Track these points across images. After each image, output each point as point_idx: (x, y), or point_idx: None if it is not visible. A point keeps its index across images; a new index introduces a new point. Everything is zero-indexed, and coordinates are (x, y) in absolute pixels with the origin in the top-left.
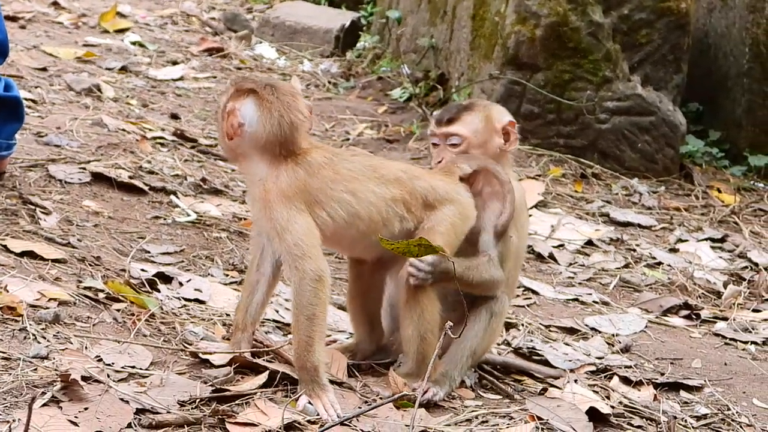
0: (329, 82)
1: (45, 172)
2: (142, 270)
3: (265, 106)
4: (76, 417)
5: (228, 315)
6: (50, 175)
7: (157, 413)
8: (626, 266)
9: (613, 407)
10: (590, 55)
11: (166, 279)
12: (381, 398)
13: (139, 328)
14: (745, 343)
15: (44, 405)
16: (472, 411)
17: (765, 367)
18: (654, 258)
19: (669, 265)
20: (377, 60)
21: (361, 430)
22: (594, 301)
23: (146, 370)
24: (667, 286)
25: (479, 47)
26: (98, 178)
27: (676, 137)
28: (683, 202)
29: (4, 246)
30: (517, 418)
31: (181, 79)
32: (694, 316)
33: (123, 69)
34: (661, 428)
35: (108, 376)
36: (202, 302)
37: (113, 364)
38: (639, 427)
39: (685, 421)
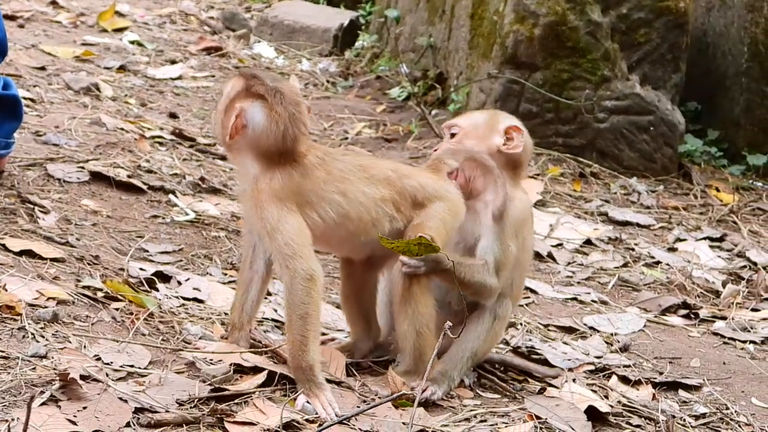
0: (328, 81)
1: (43, 171)
2: (141, 269)
3: (272, 117)
4: (74, 416)
5: (227, 314)
6: (49, 174)
7: (156, 412)
8: (625, 265)
9: (611, 406)
10: (589, 54)
11: (165, 278)
12: (379, 397)
13: (137, 327)
14: (744, 342)
15: (43, 404)
16: (471, 410)
17: (763, 367)
18: (653, 257)
19: (668, 265)
20: (376, 59)
21: (360, 429)
22: (593, 301)
23: (145, 369)
24: (666, 285)
25: (478, 46)
26: (97, 177)
27: (675, 136)
28: (682, 201)
29: (3, 245)
30: (515, 418)
31: (179, 78)
32: (692, 316)
33: (121, 68)
34: (659, 427)
35: (107, 375)
36: (200, 301)
37: (112, 363)
38: (638, 426)
39: (684, 420)
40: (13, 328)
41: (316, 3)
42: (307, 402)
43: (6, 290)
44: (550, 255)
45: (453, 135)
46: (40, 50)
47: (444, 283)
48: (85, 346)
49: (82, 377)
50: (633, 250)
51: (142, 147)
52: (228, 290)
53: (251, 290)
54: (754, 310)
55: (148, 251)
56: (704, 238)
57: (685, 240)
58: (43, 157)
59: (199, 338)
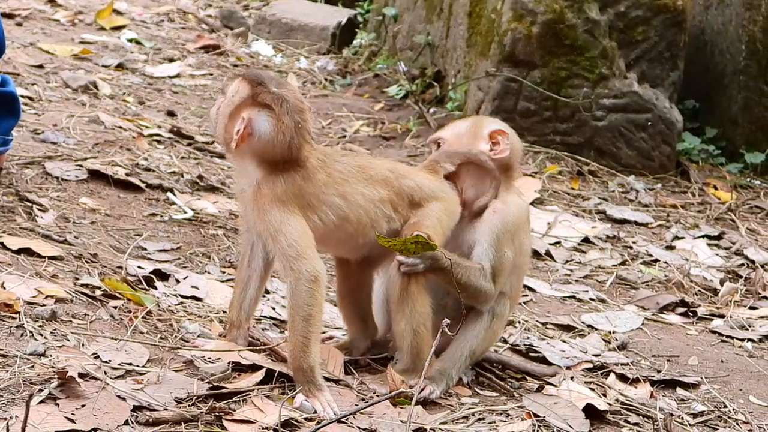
0: (326, 80)
1: (42, 170)
2: (139, 267)
3: (278, 128)
4: (73, 414)
5: (225, 312)
6: (47, 172)
7: (154, 410)
8: (623, 263)
9: (609, 404)
10: (587, 52)
11: (163, 276)
12: (378, 395)
13: (136, 325)
14: (742, 340)
15: (41, 402)
16: (469, 408)
17: (761, 364)
18: (650, 255)
19: (665, 263)
20: (374, 57)
21: (358, 427)
22: (590, 299)
23: (143, 367)
24: (664, 283)
25: (476, 44)
26: (95, 175)
27: (673, 134)
28: (680, 199)
29: (1, 243)
30: (513, 416)
31: (177, 76)
32: (690, 314)
33: (119, 66)
34: (657, 425)
35: (105, 373)
36: (198, 299)
37: (110, 361)
38: (635, 424)
39: (682, 418)
40: (11, 326)
41: (314, 1)
42: (306, 400)
43: (4, 288)
44: (548, 253)
45: (439, 147)
46: (38, 48)
47: (441, 283)
48: (83, 344)
49: (81, 375)
50: (631, 248)
51: (140, 145)
52: (226, 288)
53: (249, 288)
54: (751, 308)
55: (146, 249)
56: (702, 236)
57: (683, 238)
58: (41, 155)
59: (198, 336)
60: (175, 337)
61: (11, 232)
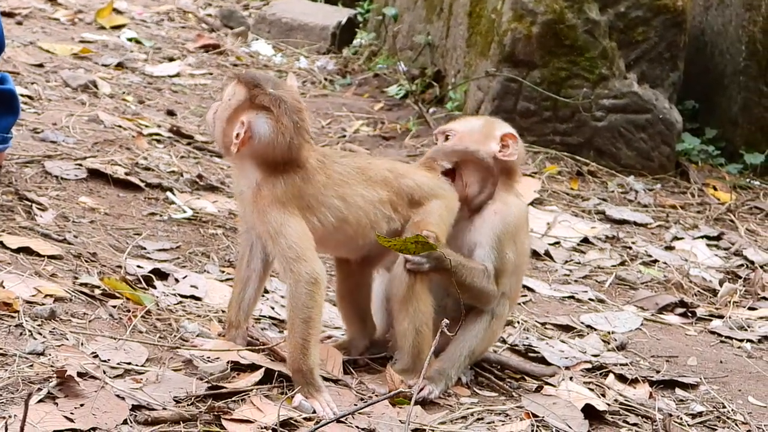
0: (325, 79)
1: (41, 169)
2: (138, 266)
3: (278, 129)
4: (71, 413)
5: (224, 311)
6: (46, 171)
7: (153, 410)
8: (622, 264)
9: (608, 404)
10: (586, 52)
11: (162, 275)
12: (377, 395)
13: (135, 324)
14: (741, 341)
15: (40, 401)
16: (468, 408)
17: (760, 365)
18: (650, 256)
19: (665, 263)
20: (373, 57)
21: (357, 427)
22: (590, 299)
23: (142, 366)
24: (663, 283)
25: (476, 44)
26: (94, 174)
27: (672, 135)
28: (679, 199)
29: (0, 242)
30: (512, 416)
31: (177, 75)
32: (689, 314)
33: (119, 65)
34: (656, 426)
35: (104, 372)
36: (198, 299)
37: (109, 360)
38: (634, 424)
39: (681, 418)
40: (10, 326)
41: (314, 1)
42: (305, 399)
43: (3, 287)
44: (547, 253)
45: (447, 139)
46: (38, 47)
47: (445, 283)
48: (82, 344)
49: (80, 374)
50: (630, 248)
51: (139, 144)
52: (225, 288)
53: (248, 288)
54: (751, 308)
55: (145, 249)
56: (701, 237)
57: (682, 238)
58: (40, 154)
59: (197, 336)
60: (174, 336)
61: (10, 231)
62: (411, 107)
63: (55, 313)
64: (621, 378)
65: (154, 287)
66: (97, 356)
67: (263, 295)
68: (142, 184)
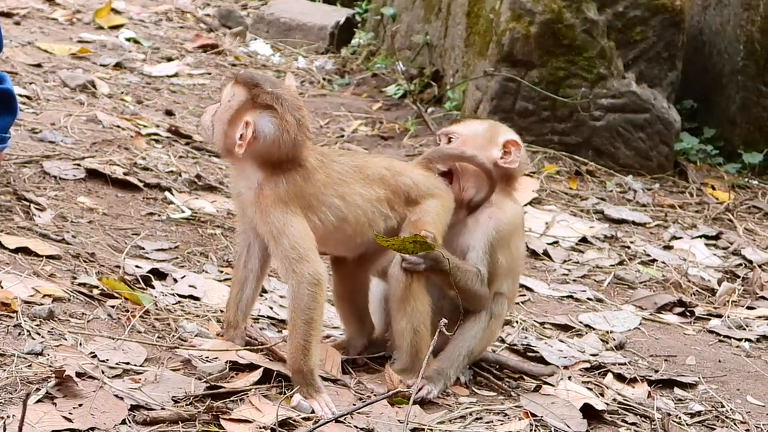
0: (324, 79)
1: (39, 169)
2: (137, 266)
3: (282, 127)
4: (70, 413)
5: (223, 311)
6: (45, 171)
7: (152, 409)
8: (620, 263)
9: (607, 404)
10: (585, 52)
11: (161, 275)
12: (375, 395)
13: (133, 324)
14: (739, 340)
15: (39, 401)
16: (467, 408)
17: (759, 365)
18: (648, 255)
19: (663, 263)
20: (372, 57)
21: (356, 426)
22: (588, 298)
23: (140, 366)
24: (662, 283)
25: (474, 44)
26: (93, 174)
27: (671, 134)
28: (677, 199)
29: None
30: (511, 415)
31: (175, 75)
32: (688, 314)
33: (117, 65)
34: (655, 425)
35: (102, 372)
36: (196, 299)
37: (108, 360)
38: (633, 423)
39: (679, 418)
40: (8, 326)
41: (312, 0)
42: (303, 399)
43: (2, 287)
44: (545, 253)
45: (450, 141)
46: (36, 47)
47: (440, 284)
48: (80, 344)
49: (78, 374)
50: (629, 248)
51: (138, 144)
52: (224, 288)
53: (246, 289)
54: (749, 308)
55: (144, 249)
56: (700, 236)
57: (680, 238)
58: (39, 154)
59: (195, 336)
60: (173, 336)
61: (9, 231)
62: (409, 107)
63: (54, 313)
64: (619, 377)
65: (153, 287)
66: (95, 356)
67: (262, 295)
68: (140, 184)
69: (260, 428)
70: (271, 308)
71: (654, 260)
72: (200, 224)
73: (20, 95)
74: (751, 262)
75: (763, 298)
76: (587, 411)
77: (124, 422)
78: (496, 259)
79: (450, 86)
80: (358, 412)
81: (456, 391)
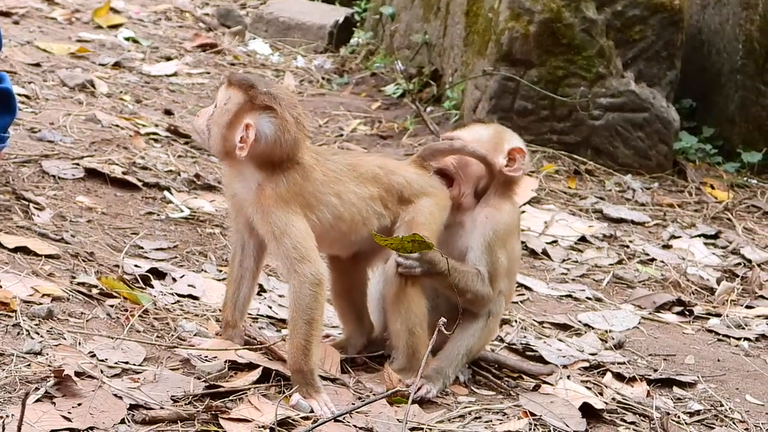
0: (323, 78)
1: (38, 168)
2: (136, 266)
3: (282, 127)
4: (69, 412)
5: (222, 311)
6: (44, 170)
7: (151, 409)
8: (619, 262)
9: (606, 403)
10: (584, 51)
11: (160, 275)
12: (374, 394)
13: (132, 324)
14: (738, 339)
15: (38, 400)
16: (466, 407)
17: (758, 364)
18: (647, 254)
19: (662, 262)
20: (371, 56)
21: (355, 426)
22: (587, 298)
23: (140, 365)
24: (661, 282)
25: (473, 43)
26: (92, 173)
27: (670, 133)
28: (676, 198)
29: None
30: (510, 414)
31: (174, 74)
32: (687, 313)
33: (116, 65)
34: (654, 424)
35: (101, 371)
36: (195, 298)
37: (107, 359)
38: (632, 423)
39: (678, 417)
40: (7, 325)
41: (311, 0)
42: (302, 399)
43: (1, 287)
44: (544, 252)
45: None
46: (35, 47)
47: (439, 287)
48: (79, 343)
49: (77, 374)
50: (628, 247)
51: (137, 144)
52: (223, 287)
53: (242, 288)
54: (748, 307)
55: (143, 248)
56: (699, 236)
57: (679, 237)
58: (38, 153)
59: (194, 335)
60: (172, 335)
61: (8, 230)
62: (408, 106)
63: (53, 313)
64: (618, 376)
65: (152, 286)
66: (94, 356)
67: (261, 295)
68: (139, 184)
69: (259, 427)
70: (270, 307)
71: (653, 259)
72: (199, 223)
73: (19, 94)
74: (750, 261)
75: (762, 297)
76: (586, 410)
77: (123, 421)
78: (496, 259)
79: (449, 85)
80: (357, 412)
81: (455, 390)
